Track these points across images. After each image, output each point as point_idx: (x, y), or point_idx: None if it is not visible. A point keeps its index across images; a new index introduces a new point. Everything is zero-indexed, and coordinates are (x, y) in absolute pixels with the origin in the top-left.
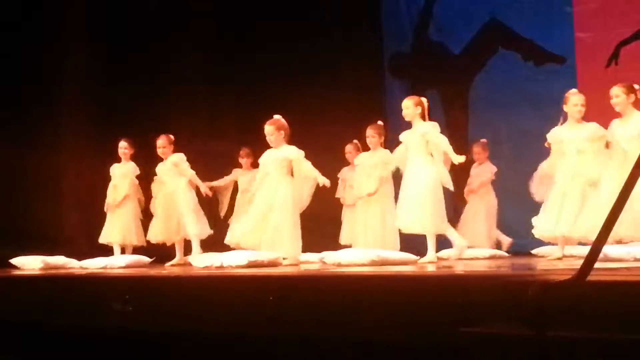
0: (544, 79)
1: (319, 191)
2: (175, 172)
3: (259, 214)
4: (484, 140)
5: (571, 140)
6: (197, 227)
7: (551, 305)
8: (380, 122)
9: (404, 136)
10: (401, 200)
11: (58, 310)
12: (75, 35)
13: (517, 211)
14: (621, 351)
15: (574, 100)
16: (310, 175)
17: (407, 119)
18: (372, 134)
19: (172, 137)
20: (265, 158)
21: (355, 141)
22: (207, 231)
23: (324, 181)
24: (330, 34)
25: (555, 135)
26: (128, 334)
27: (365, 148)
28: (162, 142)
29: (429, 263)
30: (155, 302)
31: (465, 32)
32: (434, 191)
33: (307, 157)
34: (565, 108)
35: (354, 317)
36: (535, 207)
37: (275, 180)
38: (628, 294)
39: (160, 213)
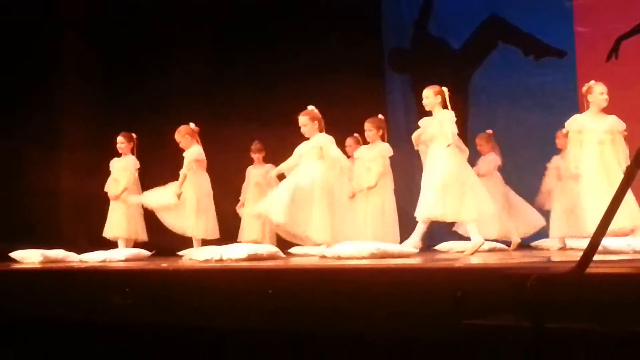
0: (544, 73)
1: None
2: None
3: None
4: (489, 131)
5: (592, 130)
6: (190, 228)
7: (550, 297)
8: (380, 116)
9: (423, 122)
10: (423, 188)
11: (58, 304)
12: (75, 35)
13: None
14: (620, 343)
15: (600, 89)
16: (335, 159)
17: (427, 108)
18: (369, 128)
19: (189, 126)
20: (301, 148)
21: (355, 134)
22: (202, 232)
23: (346, 165)
24: (331, 30)
25: (576, 124)
26: (128, 327)
27: (366, 142)
28: (177, 137)
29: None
30: (155, 296)
31: (465, 28)
32: (458, 179)
33: None
34: (590, 98)
35: (354, 310)
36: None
37: (306, 168)
38: (627, 286)
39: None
